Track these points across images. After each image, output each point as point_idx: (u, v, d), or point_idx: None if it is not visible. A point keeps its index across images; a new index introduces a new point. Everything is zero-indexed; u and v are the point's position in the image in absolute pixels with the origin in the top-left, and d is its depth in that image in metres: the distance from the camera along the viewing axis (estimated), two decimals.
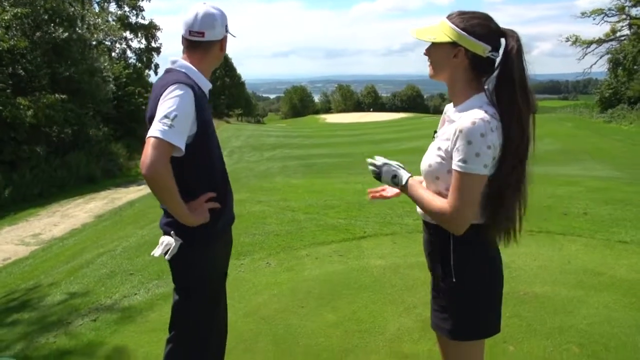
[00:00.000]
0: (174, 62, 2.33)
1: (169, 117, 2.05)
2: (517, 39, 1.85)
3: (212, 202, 2.32)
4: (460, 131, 1.76)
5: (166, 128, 2.03)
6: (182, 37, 2.34)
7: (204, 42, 2.31)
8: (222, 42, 2.40)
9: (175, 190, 2.11)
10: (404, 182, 2.00)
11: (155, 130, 2.04)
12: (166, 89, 2.15)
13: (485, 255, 1.93)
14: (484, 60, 1.86)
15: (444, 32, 1.88)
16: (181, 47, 2.38)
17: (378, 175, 2.08)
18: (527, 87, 1.83)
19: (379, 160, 2.10)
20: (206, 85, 2.37)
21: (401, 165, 2.07)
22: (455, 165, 1.78)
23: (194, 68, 2.30)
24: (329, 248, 5.68)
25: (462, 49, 1.86)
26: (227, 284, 2.67)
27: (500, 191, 1.82)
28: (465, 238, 1.87)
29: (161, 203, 2.18)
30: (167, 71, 2.31)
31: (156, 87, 2.24)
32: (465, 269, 1.90)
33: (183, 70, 2.28)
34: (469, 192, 1.78)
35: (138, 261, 5.66)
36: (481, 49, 1.85)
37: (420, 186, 1.98)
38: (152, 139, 2.03)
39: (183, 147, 2.10)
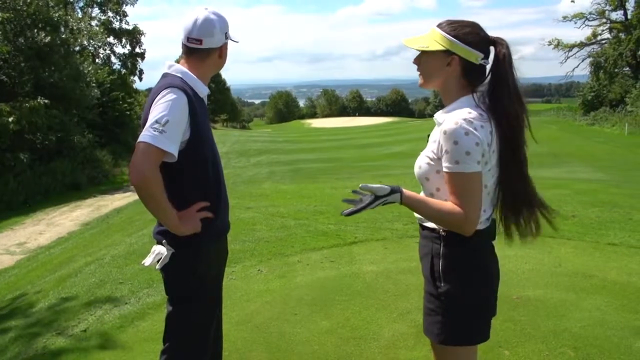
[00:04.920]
0: (170, 67, 2.28)
1: (160, 122, 2.00)
2: (507, 47, 1.89)
3: (205, 211, 2.26)
4: (445, 132, 1.78)
5: (157, 133, 1.99)
6: (182, 42, 2.28)
7: (201, 49, 2.25)
8: (222, 49, 2.33)
9: (164, 198, 2.06)
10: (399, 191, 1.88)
11: (145, 135, 1.99)
12: (159, 93, 2.11)
13: (474, 262, 1.92)
14: (476, 67, 1.89)
15: (436, 40, 1.89)
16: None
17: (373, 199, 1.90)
18: (519, 90, 1.89)
19: (368, 186, 1.92)
20: (203, 91, 2.31)
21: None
22: (448, 167, 1.78)
23: (190, 73, 2.25)
24: (320, 254, 5.66)
25: (455, 57, 1.88)
26: None
27: (509, 194, 1.93)
28: (455, 243, 1.88)
29: (149, 211, 2.11)
30: (164, 76, 2.26)
31: (152, 92, 2.19)
32: (452, 274, 1.90)
33: (179, 74, 2.23)
34: (473, 191, 1.79)
35: (127, 270, 5.58)
36: (474, 56, 1.87)
37: (417, 194, 1.93)
38: (142, 145, 1.99)
39: (175, 153, 2.05)
